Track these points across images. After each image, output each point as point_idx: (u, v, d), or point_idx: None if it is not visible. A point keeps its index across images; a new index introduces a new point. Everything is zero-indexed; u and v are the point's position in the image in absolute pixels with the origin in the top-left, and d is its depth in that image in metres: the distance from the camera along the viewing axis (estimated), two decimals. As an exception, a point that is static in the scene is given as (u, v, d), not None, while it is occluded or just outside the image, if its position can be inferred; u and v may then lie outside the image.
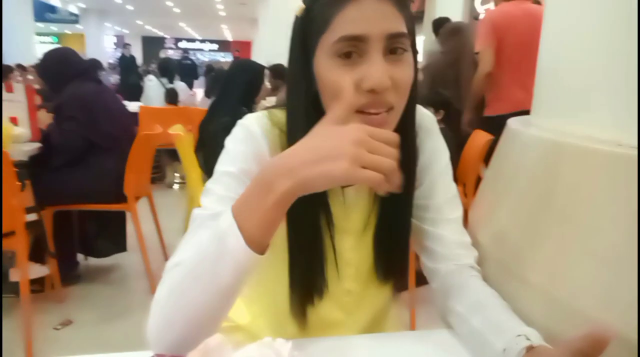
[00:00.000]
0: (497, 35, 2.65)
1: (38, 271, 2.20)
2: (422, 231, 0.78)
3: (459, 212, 0.79)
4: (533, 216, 0.75)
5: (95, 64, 5.89)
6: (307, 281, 0.73)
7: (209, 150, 2.36)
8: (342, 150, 0.50)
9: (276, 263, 0.74)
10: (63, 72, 2.35)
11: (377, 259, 0.78)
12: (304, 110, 0.68)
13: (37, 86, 4.71)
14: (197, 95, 5.88)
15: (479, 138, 2.59)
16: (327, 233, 0.73)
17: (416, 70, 0.69)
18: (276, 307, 0.78)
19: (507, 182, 0.88)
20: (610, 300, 0.60)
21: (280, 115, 0.73)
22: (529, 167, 0.81)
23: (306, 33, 0.66)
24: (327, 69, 0.63)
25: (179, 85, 5.05)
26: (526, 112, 1.00)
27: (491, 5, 2.85)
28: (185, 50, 13.33)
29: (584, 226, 0.66)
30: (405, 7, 0.64)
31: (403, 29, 0.63)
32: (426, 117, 0.80)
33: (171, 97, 4.54)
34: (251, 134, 0.71)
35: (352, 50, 0.62)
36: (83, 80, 2.35)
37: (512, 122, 0.97)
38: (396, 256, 0.78)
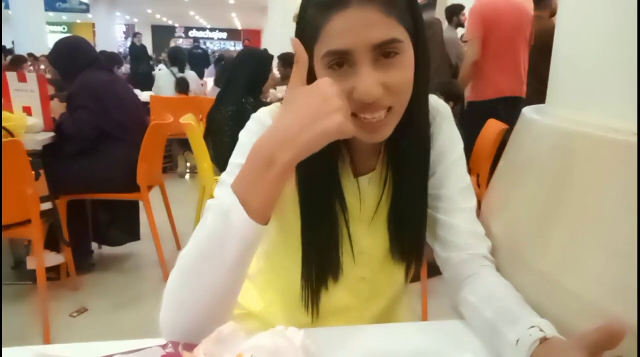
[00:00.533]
0: (485, 27, 2.85)
1: (54, 259, 2.24)
2: (435, 220, 0.79)
3: (472, 202, 0.79)
4: (546, 206, 0.75)
5: (114, 59, 5.88)
6: (322, 264, 0.74)
7: (216, 139, 2.38)
8: (331, 105, 0.54)
9: (290, 250, 0.75)
10: (74, 61, 2.36)
11: (393, 245, 0.78)
12: None
13: (49, 76, 4.75)
14: (207, 85, 5.88)
15: (493, 128, 2.57)
16: (342, 219, 0.74)
17: (424, 63, 0.68)
18: (290, 294, 0.79)
19: (520, 172, 0.87)
20: (622, 292, 0.60)
21: None
22: (543, 156, 0.80)
23: (303, 39, 0.66)
24: (322, 77, 0.63)
25: (190, 75, 5.06)
26: (509, 99, 0.99)
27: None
28: (196, 39, 13.32)
29: (598, 217, 0.65)
30: (397, 7, 0.62)
31: (393, 34, 0.61)
32: (442, 107, 0.80)
33: (182, 86, 4.55)
34: (265, 127, 0.72)
35: (342, 61, 0.62)
36: (94, 69, 2.37)
37: (527, 111, 0.95)
38: (411, 240, 0.78)
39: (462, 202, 0.78)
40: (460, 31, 4.57)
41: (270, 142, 0.55)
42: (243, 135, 0.74)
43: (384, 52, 0.62)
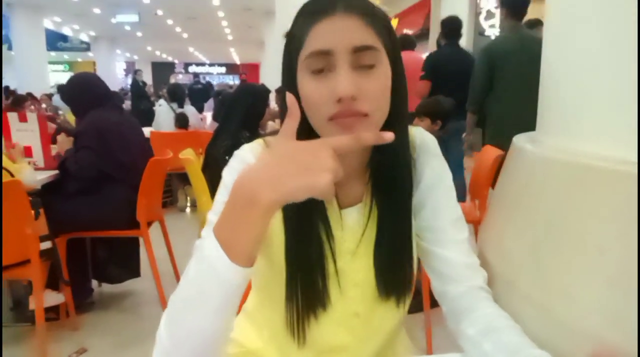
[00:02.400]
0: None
1: (54, 298, 2.22)
2: (429, 253, 0.79)
3: (465, 233, 0.79)
4: (540, 235, 0.75)
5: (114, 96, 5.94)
6: (307, 293, 0.73)
7: (212, 173, 2.40)
8: (324, 163, 0.51)
9: (281, 284, 0.74)
10: (84, 97, 2.38)
11: (378, 276, 0.77)
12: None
13: (49, 113, 4.80)
14: (207, 119, 5.95)
15: (489, 153, 2.59)
16: (329, 250, 0.74)
17: (400, 83, 0.70)
18: (286, 332, 0.78)
19: (513, 201, 0.88)
20: (618, 320, 0.59)
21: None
22: (535, 185, 0.81)
23: (290, 52, 0.70)
24: (303, 84, 0.67)
25: (189, 110, 5.12)
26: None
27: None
28: (196, 75, 13.57)
29: (591, 245, 0.65)
30: (377, 22, 0.66)
31: (372, 42, 0.65)
32: (427, 140, 0.81)
33: (181, 121, 4.61)
34: (245, 164, 0.72)
35: (323, 65, 0.65)
36: (105, 108, 2.37)
37: (518, 140, 0.97)
38: (397, 274, 0.77)
39: (455, 233, 0.78)
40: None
41: (252, 180, 0.53)
42: (226, 173, 0.75)
43: (362, 61, 0.64)
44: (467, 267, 0.77)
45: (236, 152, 0.76)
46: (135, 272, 2.67)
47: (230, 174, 0.74)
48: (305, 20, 0.66)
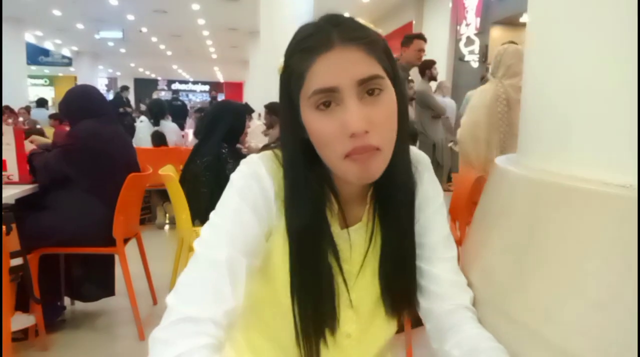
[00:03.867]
0: None
1: (23, 321, 2.11)
2: (417, 269, 0.78)
3: (453, 251, 0.80)
4: (521, 256, 0.75)
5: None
6: (317, 316, 0.72)
7: (190, 189, 2.38)
8: None
9: (280, 312, 0.73)
10: (80, 106, 2.34)
11: (384, 297, 0.77)
12: (297, 155, 0.72)
13: (26, 127, 4.71)
14: (188, 136, 5.91)
15: (469, 175, 2.62)
16: (337, 268, 0.73)
17: (403, 104, 0.71)
18: (283, 351, 0.78)
19: (494, 221, 0.88)
20: (604, 342, 0.59)
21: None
22: (516, 206, 0.82)
23: (289, 87, 0.69)
24: (311, 121, 0.67)
25: (169, 126, 5.08)
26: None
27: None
28: (175, 91, 13.56)
29: (573, 267, 0.65)
30: (376, 49, 0.66)
31: (375, 71, 0.65)
32: (421, 157, 0.82)
33: (156, 139, 4.56)
34: (256, 171, 0.73)
35: (329, 100, 0.64)
36: (100, 120, 2.32)
37: (500, 161, 0.98)
38: (403, 291, 0.78)
39: (444, 251, 0.79)
40: (433, 84, 4.85)
41: None
42: (236, 177, 0.73)
43: (368, 88, 0.64)
44: (455, 285, 0.77)
45: (245, 160, 0.76)
46: (110, 291, 2.59)
47: (241, 178, 0.73)
48: (302, 56, 0.66)
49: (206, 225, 0.69)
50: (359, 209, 0.78)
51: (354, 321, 0.78)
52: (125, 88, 9.53)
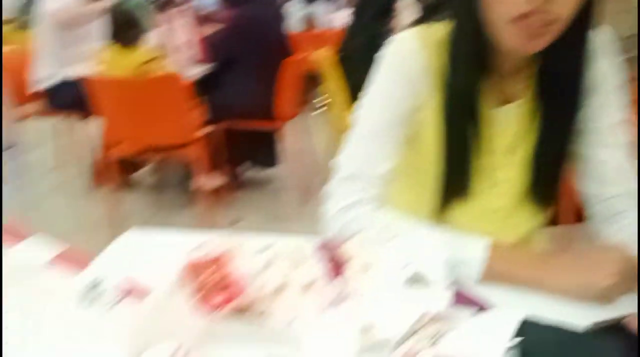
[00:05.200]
0: None
1: (216, 180, 2.53)
2: (584, 154, 0.75)
3: (625, 138, 0.74)
4: None
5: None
6: (450, 185, 0.75)
7: (347, 74, 2.40)
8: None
9: (426, 175, 0.77)
10: None
11: (533, 181, 0.76)
12: (470, 22, 0.66)
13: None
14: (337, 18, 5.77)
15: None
16: (480, 148, 0.73)
17: None
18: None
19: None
20: None
21: (441, 30, 0.72)
22: None
23: None
24: None
25: (318, 10, 4.98)
26: None
27: None
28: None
29: None
30: None
31: None
32: (601, 34, 0.72)
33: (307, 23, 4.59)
34: (407, 46, 0.72)
35: None
36: (256, 5, 2.54)
37: None
38: (553, 178, 0.77)
39: (614, 137, 0.74)
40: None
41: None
42: (378, 69, 0.74)
43: None
44: (624, 171, 0.73)
45: (394, 39, 0.74)
46: (276, 161, 2.93)
47: (391, 53, 0.74)
48: None
49: (361, 101, 0.75)
50: (519, 85, 0.74)
51: (503, 196, 0.78)
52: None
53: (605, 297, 0.56)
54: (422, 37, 0.72)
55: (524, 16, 0.59)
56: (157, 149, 2.30)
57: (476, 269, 0.62)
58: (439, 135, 0.73)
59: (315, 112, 4.78)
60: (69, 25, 2.77)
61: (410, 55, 0.71)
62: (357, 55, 2.43)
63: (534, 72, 0.72)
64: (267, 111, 2.55)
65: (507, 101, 0.74)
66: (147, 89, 2.14)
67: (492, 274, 0.61)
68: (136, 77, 2.26)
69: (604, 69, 0.73)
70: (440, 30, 0.71)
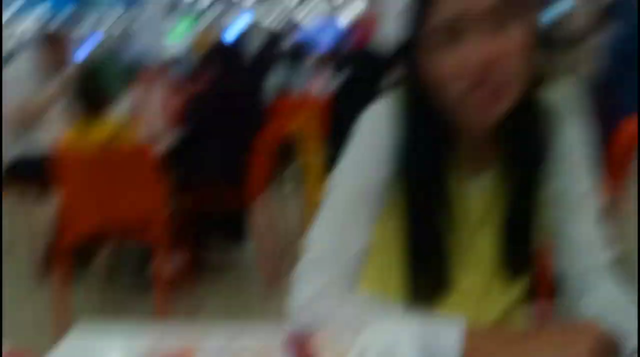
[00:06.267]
0: None
1: (177, 263, 2.38)
2: (555, 225, 0.74)
3: (597, 205, 0.74)
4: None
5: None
6: (428, 274, 0.73)
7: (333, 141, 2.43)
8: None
9: (393, 262, 0.75)
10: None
11: (503, 254, 0.75)
12: (418, 95, 0.69)
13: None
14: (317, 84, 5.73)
15: (630, 127, 2.34)
16: (451, 225, 0.73)
17: (534, 41, 0.65)
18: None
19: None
20: None
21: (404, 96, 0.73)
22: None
23: (413, 20, 0.66)
24: (433, 54, 0.64)
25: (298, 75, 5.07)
26: None
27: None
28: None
29: None
30: None
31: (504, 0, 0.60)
32: (566, 100, 0.75)
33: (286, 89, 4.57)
34: (375, 123, 0.73)
35: (455, 27, 0.61)
36: (235, 70, 2.62)
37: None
38: (524, 251, 0.75)
39: (586, 205, 0.73)
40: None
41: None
42: (357, 127, 0.74)
43: (499, 18, 0.60)
44: (596, 243, 0.72)
45: (365, 111, 0.75)
46: (241, 240, 2.82)
47: (362, 127, 0.74)
48: None
49: (333, 174, 0.73)
50: (484, 157, 0.74)
51: (476, 274, 0.77)
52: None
53: None
54: (389, 109, 0.73)
55: (474, 86, 0.61)
56: (117, 230, 2.19)
57: None
58: (407, 214, 0.72)
59: (289, 185, 4.76)
60: (27, 123, 2.65)
61: (381, 128, 0.71)
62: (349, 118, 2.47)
63: (499, 142, 0.72)
64: (237, 184, 2.47)
65: (475, 173, 0.74)
66: (113, 163, 2.04)
67: None
68: (101, 150, 2.13)
69: (571, 136, 0.74)
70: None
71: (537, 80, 0.69)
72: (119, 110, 2.56)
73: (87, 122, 2.32)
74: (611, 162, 2.34)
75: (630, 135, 2.21)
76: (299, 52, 5.62)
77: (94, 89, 2.42)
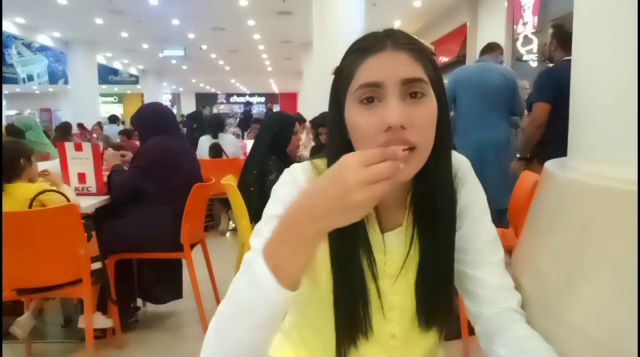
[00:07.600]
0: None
1: (103, 322, 2.27)
2: (463, 275, 0.80)
3: (500, 254, 0.81)
4: (572, 258, 0.76)
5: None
6: (350, 322, 0.76)
7: (246, 197, 2.48)
8: (354, 204, 0.54)
9: (322, 306, 0.77)
10: (153, 123, 2.53)
11: (420, 304, 0.79)
12: (339, 154, 0.73)
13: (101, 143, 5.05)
14: (246, 146, 6.10)
15: (527, 179, 2.55)
16: (370, 275, 0.76)
17: (444, 113, 0.73)
18: (324, 353, 0.80)
19: (546, 225, 0.89)
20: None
21: (322, 164, 0.80)
22: (566, 209, 0.83)
23: (338, 87, 0.74)
24: (352, 115, 0.70)
25: (227, 138, 5.25)
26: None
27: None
28: (248, 103, 14.25)
29: (625, 270, 0.66)
30: (424, 57, 0.70)
31: (420, 75, 0.68)
32: (462, 161, 0.83)
33: (213, 151, 4.75)
34: (296, 183, 0.77)
35: (372, 95, 0.68)
36: (169, 136, 2.51)
37: (549, 165, 0.98)
38: (439, 300, 0.79)
39: (490, 255, 0.79)
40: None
41: (297, 217, 0.57)
42: (277, 187, 0.78)
43: (411, 90, 0.68)
44: (502, 289, 0.78)
45: (288, 170, 0.81)
46: (178, 293, 2.76)
47: (281, 188, 0.78)
48: (355, 56, 0.71)
49: (252, 234, 0.75)
50: (398, 213, 0.79)
51: (398, 322, 0.80)
52: (206, 107, 10.27)
53: None
54: (308, 171, 0.79)
55: (386, 144, 0.66)
56: (43, 288, 2.07)
57: None
58: (331, 267, 0.74)
59: (226, 235, 4.74)
60: None
61: (298, 186, 0.76)
62: (253, 185, 2.55)
63: (411, 200, 0.79)
64: (172, 239, 2.43)
65: (392, 227, 0.79)
66: (38, 223, 1.95)
67: None
68: (27, 211, 2.08)
69: (470, 194, 0.81)
70: (324, 164, 0.79)
71: (447, 147, 0.76)
72: (49, 170, 2.45)
73: (12, 184, 2.16)
74: (514, 212, 2.52)
75: (529, 186, 2.41)
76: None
77: (13, 155, 2.19)
